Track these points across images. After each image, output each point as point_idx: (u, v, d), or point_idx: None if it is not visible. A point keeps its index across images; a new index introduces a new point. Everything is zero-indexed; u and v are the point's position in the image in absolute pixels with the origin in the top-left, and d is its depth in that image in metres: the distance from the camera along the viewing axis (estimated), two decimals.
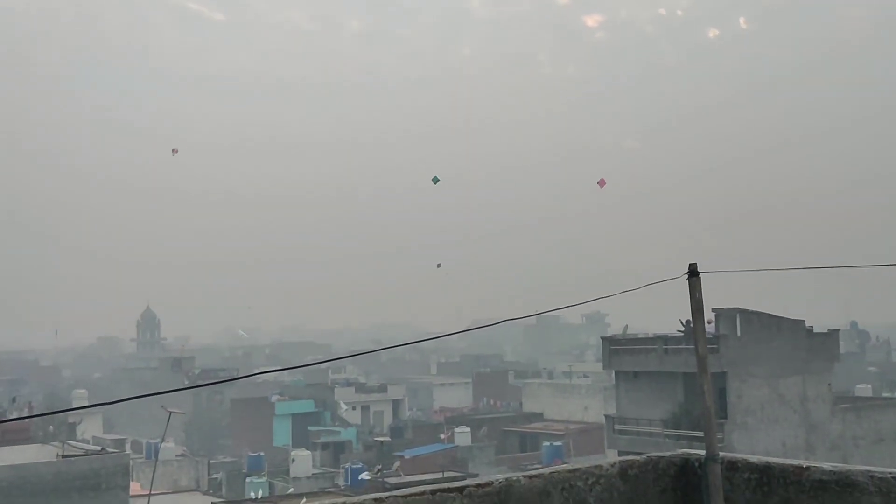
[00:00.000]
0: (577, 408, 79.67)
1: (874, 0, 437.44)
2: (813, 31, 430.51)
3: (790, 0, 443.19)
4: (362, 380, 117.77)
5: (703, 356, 5.82)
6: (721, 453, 5.08)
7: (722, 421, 36.07)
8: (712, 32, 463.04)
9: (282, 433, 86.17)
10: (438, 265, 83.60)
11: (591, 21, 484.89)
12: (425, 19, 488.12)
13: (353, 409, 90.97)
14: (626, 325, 61.49)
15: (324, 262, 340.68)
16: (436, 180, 46.08)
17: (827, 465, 4.68)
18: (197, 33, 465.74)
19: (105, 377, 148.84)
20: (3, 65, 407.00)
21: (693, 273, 8.21)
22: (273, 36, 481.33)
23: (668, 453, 5.42)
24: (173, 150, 45.37)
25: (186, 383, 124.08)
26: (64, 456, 37.91)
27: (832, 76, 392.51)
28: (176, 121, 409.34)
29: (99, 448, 43.20)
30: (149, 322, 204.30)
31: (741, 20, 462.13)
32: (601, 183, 45.97)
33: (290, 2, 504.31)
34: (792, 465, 4.84)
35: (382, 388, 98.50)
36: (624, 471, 5.10)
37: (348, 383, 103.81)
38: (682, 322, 39.41)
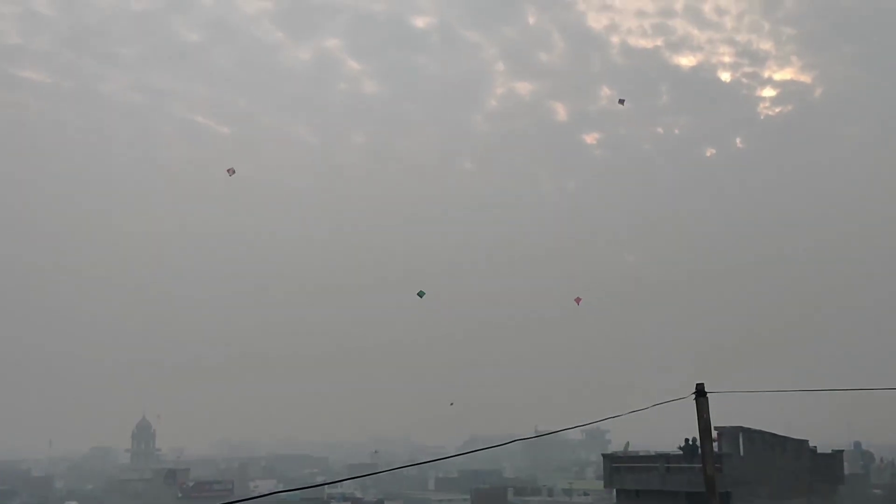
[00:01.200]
0: None
1: (868, 120, 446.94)
2: (808, 151, 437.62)
3: (785, 121, 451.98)
4: (359, 494, 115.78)
5: (712, 476, 5.87)
6: None
7: None
8: (709, 151, 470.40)
9: None
10: (451, 404, 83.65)
11: (590, 139, 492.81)
12: (428, 135, 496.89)
13: None
14: (628, 443, 60.98)
15: (321, 372, 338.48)
16: (421, 294, 46.60)
17: None
18: (203, 146, 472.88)
19: (98, 488, 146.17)
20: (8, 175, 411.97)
21: (700, 393, 8.33)
22: (278, 148, 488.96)
23: None
24: (229, 171, 44.55)
25: (180, 496, 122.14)
26: None
27: (829, 195, 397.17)
28: (179, 229, 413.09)
29: None
30: (144, 432, 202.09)
31: (737, 140, 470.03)
32: (577, 301, 46.51)
33: (294, 116, 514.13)
34: None
35: None
36: None
37: (345, 498, 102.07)
38: (687, 441, 39.01)
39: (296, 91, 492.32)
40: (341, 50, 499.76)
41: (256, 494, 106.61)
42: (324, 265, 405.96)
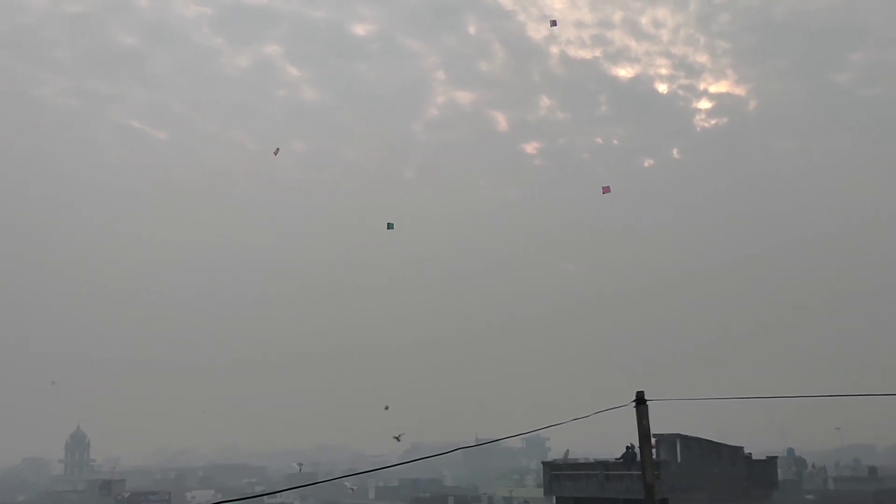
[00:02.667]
0: None
1: (802, 134, 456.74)
2: (742, 163, 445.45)
3: (720, 133, 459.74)
4: None
5: (651, 483, 5.97)
6: None
7: None
8: (647, 162, 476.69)
9: None
10: (386, 407, 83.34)
11: (530, 148, 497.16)
12: (368, 143, 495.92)
13: None
14: (568, 450, 61.29)
15: (260, 380, 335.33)
16: (391, 226, 45.62)
17: None
18: (140, 151, 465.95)
19: (29, 500, 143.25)
20: None
21: (640, 401, 8.45)
22: (216, 155, 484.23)
23: None
24: (276, 151, 43.09)
25: None
26: None
27: (763, 207, 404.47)
28: (117, 236, 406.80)
29: None
30: (78, 442, 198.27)
31: (674, 151, 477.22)
32: (605, 189, 45.02)
33: (233, 122, 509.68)
34: None
35: None
36: None
37: None
38: (628, 448, 39.37)
39: (235, 97, 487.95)
40: (281, 56, 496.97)
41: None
42: (263, 272, 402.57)
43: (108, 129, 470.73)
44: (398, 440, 78.92)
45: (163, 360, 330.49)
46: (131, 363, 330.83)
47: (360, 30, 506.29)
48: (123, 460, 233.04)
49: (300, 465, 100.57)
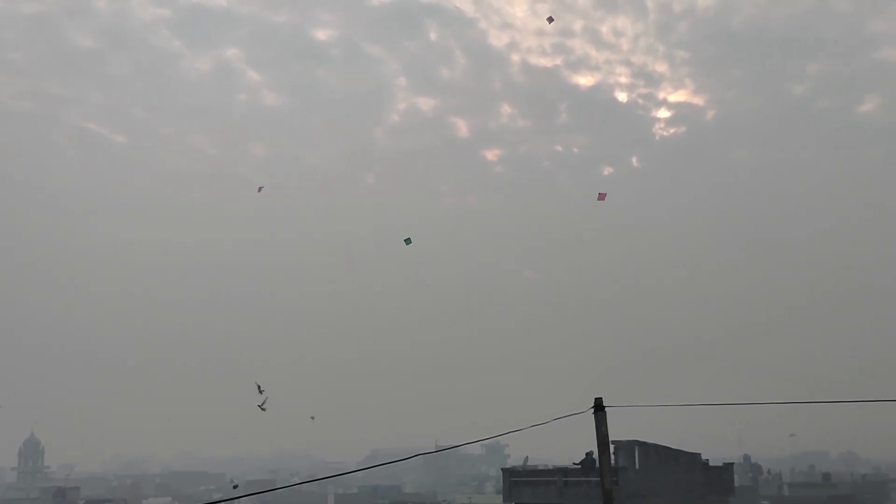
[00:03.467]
0: None
1: (760, 144, 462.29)
2: (701, 172, 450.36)
3: (679, 142, 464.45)
4: None
5: (609, 490, 6.03)
6: None
7: None
8: (607, 170, 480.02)
9: None
10: (312, 417, 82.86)
11: (491, 155, 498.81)
12: (329, 149, 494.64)
13: None
14: (527, 457, 61.47)
15: (219, 385, 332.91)
16: (408, 241, 45.41)
17: None
18: (98, 154, 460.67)
19: None
20: None
21: (599, 407, 8.53)
22: (177, 159, 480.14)
23: None
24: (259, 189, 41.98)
25: None
26: None
27: (722, 215, 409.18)
28: (72, 240, 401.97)
29: None
30: (31, 449, 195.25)
31: (633, 159, 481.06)
32: (601, 197, 44.97)
33: (193, 126, 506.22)
34: None
35: None
36: None
37: None
38: (588, 454, 39.60)
39: (194, 101, 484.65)
40: (241, 60, 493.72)
41: None
42: (221, 275, 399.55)
43: (64, 131, 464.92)
44: (313, 419, 78.30)
45: (118, 366, 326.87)
46: (86, 369, 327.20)
47: (321, 35, 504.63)
48: (79, 467, 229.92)
49: (235, 485, 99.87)
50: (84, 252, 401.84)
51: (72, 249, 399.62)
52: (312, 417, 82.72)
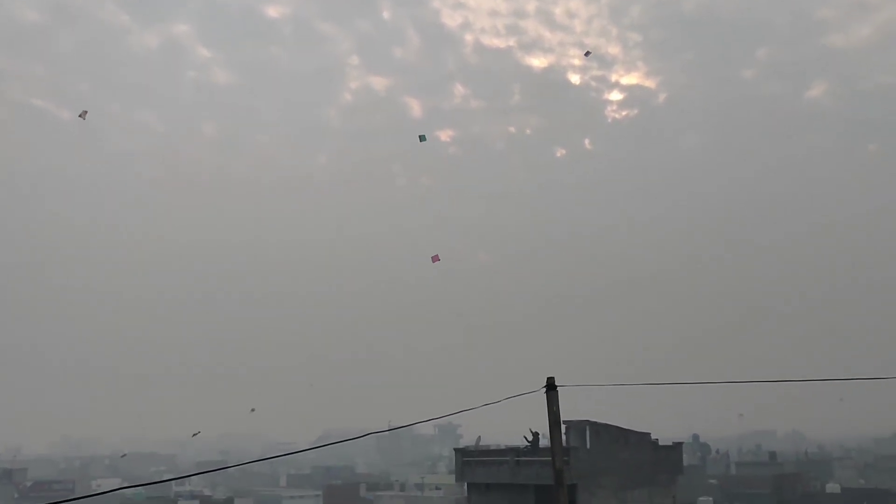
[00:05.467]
0: None
1: (709, 127, 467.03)
2: (652, 154, 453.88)
3: (630, 124, 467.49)
4: (208, 492, 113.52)
5: (560, 469, 6.06)
6: None
7: None
8: (559, 152, 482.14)
9: None
10: (252, 409, 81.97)
11: (444, 136, 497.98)
12: (281, 128, 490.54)
13: None
14: (479, 437, 61.71)
15: (169, 369, 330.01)
16: (423, 138, 44.86)
17: None
18: (41, 131, 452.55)
19: None
20: None
21: (551, 387, 8.56)
22: (123, 137, 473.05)
23: None
24: (82, 114, 40.63)
25: (17, 496, 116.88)
26: None
27: (671, 197, 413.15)
28: (16, 218, 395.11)
29: None
30: None
31: (586, 141, 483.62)
32: (434, 259, 45.70)
33: (141, 103, 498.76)
34: None
35: (229, 501, 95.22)
36: None
37: (193, 496, 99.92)
38: (532, 433, 39.89)
39: (142, 77, 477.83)
40: (191, 37, 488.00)
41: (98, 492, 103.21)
42: (170, 256, 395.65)
43: (7, 106, 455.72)
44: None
45: (65, 348, 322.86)
46: (32, 350, 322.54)
47: (273, 12, 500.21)
48: (25, 449, 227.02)
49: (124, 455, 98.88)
50: (24, 230, 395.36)
51: (18, 229, 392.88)
52: (252, 409, 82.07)
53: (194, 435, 69.86)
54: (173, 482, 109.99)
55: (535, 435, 41.02)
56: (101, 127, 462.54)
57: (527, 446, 41.11)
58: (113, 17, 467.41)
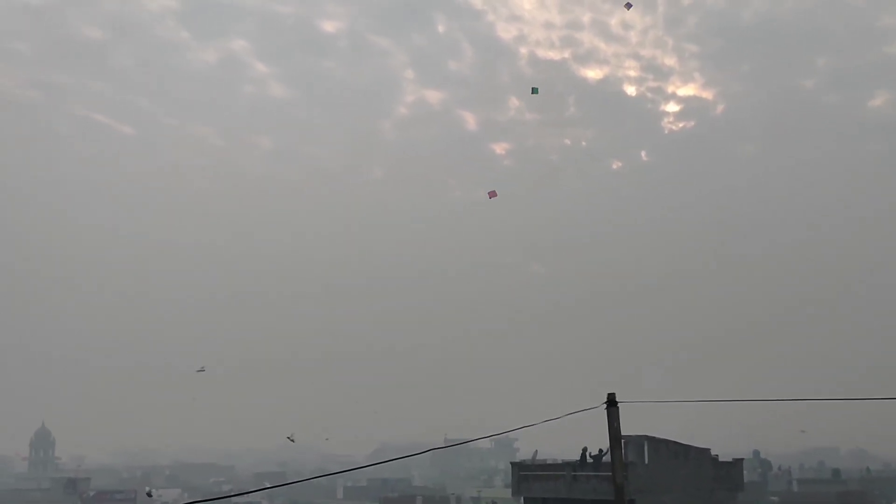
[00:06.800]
0: None
1: (768, 138, 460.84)
2: (710, 166, 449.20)
3: (688, 136, 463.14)
4: (266, 503, 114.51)
5: (621, 484, 6.04)
6: None
7: None
8: (615, 164, 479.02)
9: None
10: (291, 438, 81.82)
11: (499, 148, 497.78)
12: (336, 140, 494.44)
13: None
14: (536, 451, 61.52)
15: (229, 379, 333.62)
16: (535, 90, 45.16)
17: None
18: (103, 145, 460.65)
19: None
20: None
21: (611, 403, 8.52)
22: (182, 150, 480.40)
23: None
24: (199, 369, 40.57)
25: None
26: None
27: (731, 209, 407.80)
28: (80, 232, 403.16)
29: None
30: (42, 440, 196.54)
31: (642, 153, 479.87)
32: (492, 194, 45.35)
33: (199, 116, 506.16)
34: None
35: None
36: None
37: None
38: (600, 450, 39.59)
39: (201, 92, 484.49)
40: (248, 52, 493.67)
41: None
42: (226, 270, 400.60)
43: (69, 121, 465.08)
44: (292, 440, 77.29)
45: (128, 359, 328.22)
46: (96, 361, 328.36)
47: (328, 26, 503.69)
48: (89, 458, 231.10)
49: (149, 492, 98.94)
50: (88, 243, 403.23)
51: (76, 240, 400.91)
52: (292, 439, 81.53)
53: (290, 438, 70.34)
54: (234, 496, 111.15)
55: (584, 451, 40.79)
56: (159, 141, 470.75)
57: (590, 461, 40.82)
58: (172, 34, 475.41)
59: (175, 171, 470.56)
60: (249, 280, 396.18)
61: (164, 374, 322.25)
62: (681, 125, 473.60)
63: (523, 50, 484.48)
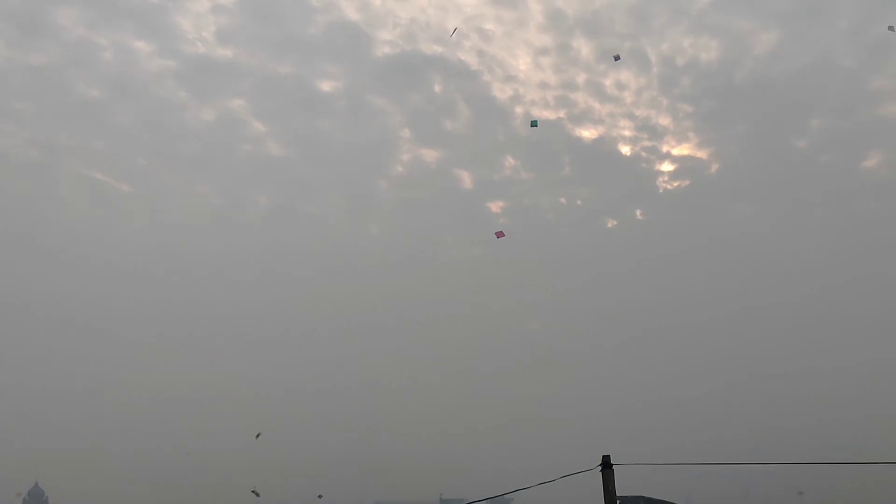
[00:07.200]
0: None
1: (762, 198, 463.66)
2: (705, 225, 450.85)
3: (683, 195, 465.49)
4: None
5: None
6: None
7: None
8: (610, 222, 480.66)
9: None
10: (258, 435, 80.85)
11: (495, 207, 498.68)
12: (333, 198, 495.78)
13: None
14: None
15: (240, 430, 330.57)
16: (534, 123, 45.58)
17: None
18: (103, 203, 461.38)
19: None
20: None
21: (606, 465, 8.72)
22: (181, 208, 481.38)
23: None
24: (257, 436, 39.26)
25: None
26: None
27: (726, 268, 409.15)
28: (77, 294, 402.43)
29: None
30: (36, 500, 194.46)
31: (637, 212, 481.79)
32: (499, 235, 45.61)
33: (197, 176, 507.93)
34: None
35: None
36: None
37: None
38: None
39: (199, 151, 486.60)
40: (246, 111, 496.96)
41: None
42: (225, 327, 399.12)
43: (69, 180, 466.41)
44: (256, 494, 75.26)
45: (123, 416, 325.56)
46: (91, 419, 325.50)
47: (325, 86, 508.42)
48: None
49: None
50: (87, 302, 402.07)
51: (75, 298, 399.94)
52: (256, 493, 78.85)
53: (255, 492, 69.33)
54: None
55: None
56: (158, 200, 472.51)
57: None
58: (171, 94, 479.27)
59: (173, 229, 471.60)
60: (249, 337, 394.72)
61: (163, 431, 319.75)
62: (676, 184, 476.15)
63: (518, 109, 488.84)
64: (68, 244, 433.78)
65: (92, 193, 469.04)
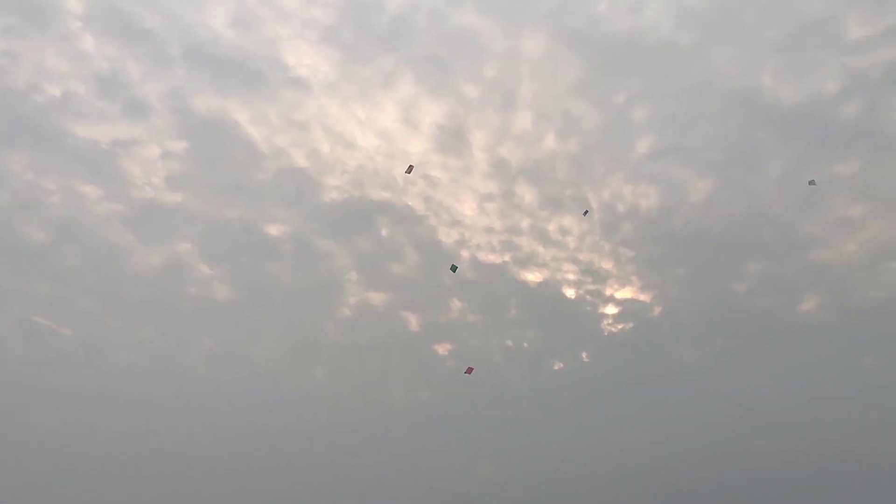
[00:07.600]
0: None
1: (703, 338, 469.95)
2: (649, 366, 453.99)
3: (627, 338, 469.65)
4: None
5: None
6: None
7: None
8: (557, 365, 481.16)
9: None
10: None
11: (442, 349, 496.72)
12: (278, 341, 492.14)
13: None
14: None
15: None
16: (454, 268, 45.91)
17: None
18: (41, 347, 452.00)
19: None
20: None
21: None
22: (124, 353, 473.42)
23: None
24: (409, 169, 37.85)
25: None
26: None
27: (670, 409, 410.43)
28: (17, 434, 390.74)
29: None
30: None
31: (583, 354, 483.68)
32: (469, 371, 46.03)
33: (143, 318, 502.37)
34: None
35: None
36: None
37: None
38: None
39: (145, 294, 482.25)
40: (193, 255, 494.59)
41: None
42: (167, 476, 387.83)
43: (8, 324, 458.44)
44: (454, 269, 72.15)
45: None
46: None
47: (273, 230, 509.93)
48: None
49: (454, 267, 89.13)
50: (26, 446, 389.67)
51: (13, 443, 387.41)
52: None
53: None
54: None
55: None
56: (102, 344, 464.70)
57: None
58: (118, 237, 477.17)
59: (115, 375, 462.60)
60: (193, 483, 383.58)
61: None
62: (620, 326, 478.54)
63: (465, 253, 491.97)
64: (5, 388, 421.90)
65: (30, 337, 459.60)
